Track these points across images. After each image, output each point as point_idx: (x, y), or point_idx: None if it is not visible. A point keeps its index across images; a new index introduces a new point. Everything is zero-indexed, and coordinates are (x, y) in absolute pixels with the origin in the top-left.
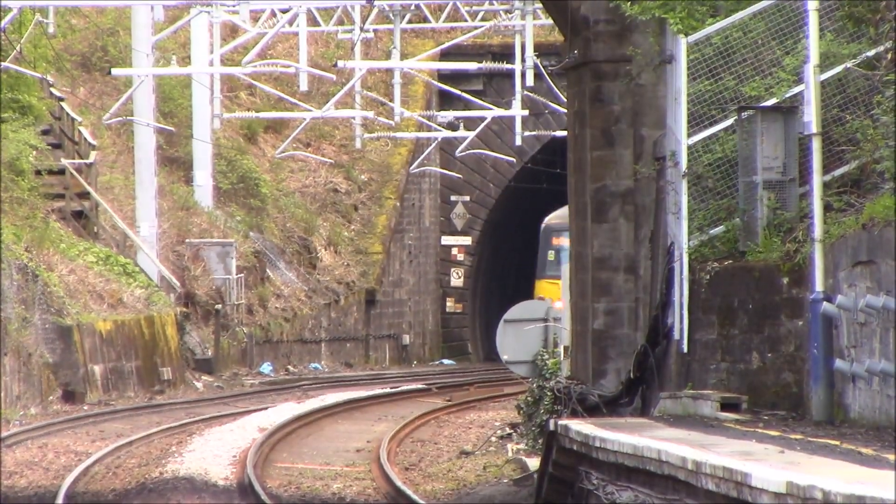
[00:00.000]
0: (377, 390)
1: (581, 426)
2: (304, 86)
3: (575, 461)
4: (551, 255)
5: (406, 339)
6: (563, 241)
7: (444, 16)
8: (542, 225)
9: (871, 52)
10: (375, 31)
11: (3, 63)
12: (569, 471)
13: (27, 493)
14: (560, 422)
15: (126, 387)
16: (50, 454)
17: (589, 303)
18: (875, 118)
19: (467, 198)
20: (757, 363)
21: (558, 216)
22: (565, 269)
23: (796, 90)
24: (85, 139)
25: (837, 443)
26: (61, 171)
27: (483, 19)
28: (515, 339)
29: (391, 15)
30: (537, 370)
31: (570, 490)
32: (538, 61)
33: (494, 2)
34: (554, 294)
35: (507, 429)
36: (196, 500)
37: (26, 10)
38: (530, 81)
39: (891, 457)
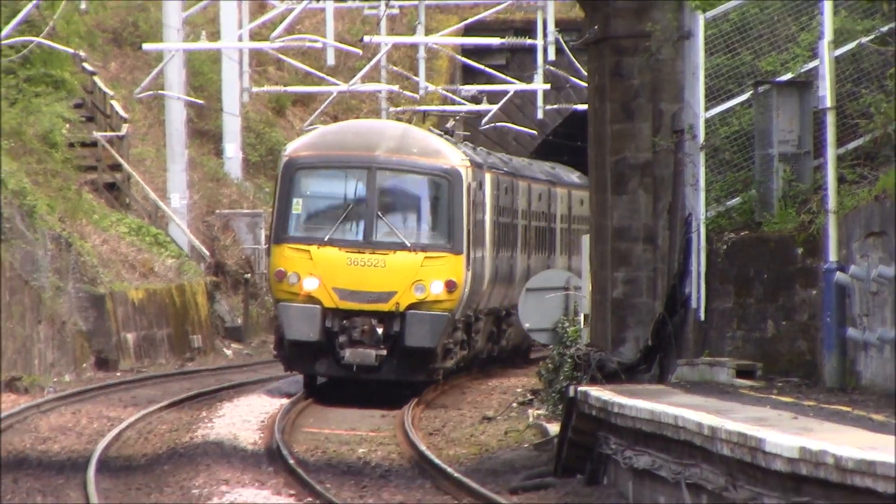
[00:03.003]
0: None
1: (600, 392)
2: (330, 60)
3: (594, 426)
4: (301, 201)
5: None
6: (325, 182)
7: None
8: (285, 159)
9: (885, 28)
10: (401, 7)
11: (37, 38)
12: (588, 436)
13: (60, 458)
14: (579, 388)
15: (158, 354)
16: (83, 420)
17: (608, 272)
18: (888, 92)
19: None
20: (772, 331)
21: (310, 145)
22: (585, 239)
23: (811, 65)
24: (117, 112)
25: (849, 409)
26: (94, 144)
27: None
28: (537, 308)
29: None
30: (558, 338)
31: (589, 455)
32: (559, 37)
33: None
34: (301, 265)
35: (528, 395)
36: (225, 464)
37: None
38: (552, 56)
39: None
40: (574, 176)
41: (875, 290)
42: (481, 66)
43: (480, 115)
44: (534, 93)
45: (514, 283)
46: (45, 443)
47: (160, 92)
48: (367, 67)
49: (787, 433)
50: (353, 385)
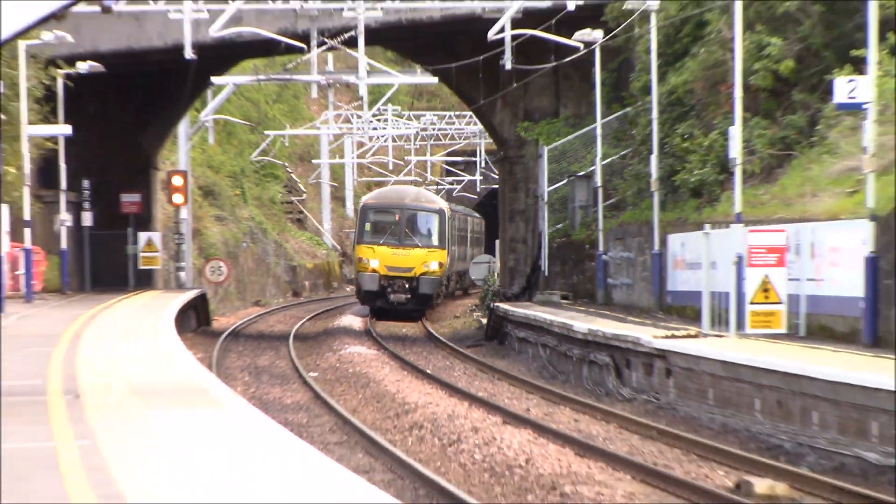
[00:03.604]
0: None
1: (503, 305)
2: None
3: (500, 320)
4: (366, 221)
5: None
6: (373, 214)
7: (448, 136)
8: (361, 203)
9: (624, 152)
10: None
11: (265, 158)
12: (498, 324)
13: (277, 333)
14: (494, 304)
15: (318, 290)
16: (287, 318)
17: (507, 255)
18: (624, 179)
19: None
20: (575, 280)
21: (377, 193)
22: (497, 242)
23: (592, 168)
24: (300, 188)
25: (608, 313)
26: (290, 202)
27: (465, 138)
28: (477, 270)
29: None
30: (486, 283)
31: (498, 331)
32: (486, 157)
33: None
34: (368, 255)
35: (473, 307)
36: (346, 336)
37: (277, 137)
38: (482, 165)
39: (630, 318)
40: (478, 216)
41: (618, 262)
42: (454, 169)
43: (451, 189)
44: (475, 181)
45: (464, 260)
46: (271, 327)
47: (319, 180)
48: (402, 173)
49: (582, 322)
50: (393, 312)
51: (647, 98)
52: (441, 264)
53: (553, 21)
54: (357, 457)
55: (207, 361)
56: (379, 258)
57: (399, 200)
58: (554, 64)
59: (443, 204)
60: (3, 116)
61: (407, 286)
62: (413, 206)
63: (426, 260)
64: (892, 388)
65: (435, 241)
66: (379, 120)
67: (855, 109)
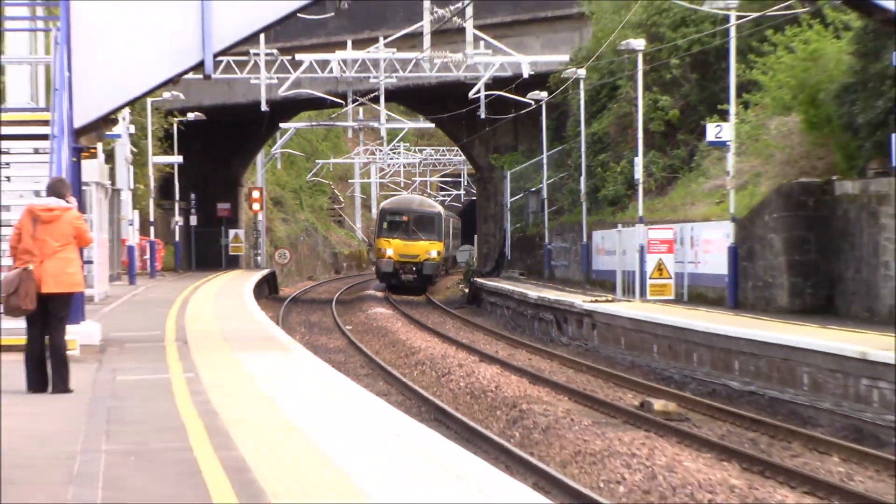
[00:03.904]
0: None
1: (480, 280)
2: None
3: (478, 290)
4: (384, 222)
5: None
6: (389, 216)
7: (441, 164)
8: (380, 208)
9: (562, 175)
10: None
11: (316, 178)
12: (476, 292)
13: (323, 299)
14: (473, 279)
15: (352, 269)
16: (330, 288)
17: (483, 245)
18: (562, 193)
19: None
20: (529, 262)
21: (392, 200)
22: (476, 237)
23: (540, 186)
24: (340, 199)
25: (552, 285)
26: (333, 209)
27: (453, 165)
28: (462, 256)
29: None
30: (468, 265)
31: (477, 298)
32: (468, 178)
33: (456, 161)
34: (386, 246)
35: (459, 282)
36: (372, 301)
37: (324, 164)
38: (465, 183)
39: (567, 288)
40: (457, 217)
41: (558, 250)
42: (445, 186)
43: (443, 200)
44: (460, 194)
45: (451, 249)
46: (320, 295)
47: (353, 194)
48: (410, 189)
49: (534, 291)
50: (403, 287)
51: (578, 138)
52: (439, 252)
53: (513, 85)
54: (379, 384)
55: (275, 318)
56: (393, 248)
57: (408, 206)
58: (514, 115)
59: (440, 209)
60: (134, 150)
61: (414, 269)
62: (418, 210)
63: (428, 249)
64: (748, 337)
65: (434, 235)
66: (394, 152)
67: (720, 146)
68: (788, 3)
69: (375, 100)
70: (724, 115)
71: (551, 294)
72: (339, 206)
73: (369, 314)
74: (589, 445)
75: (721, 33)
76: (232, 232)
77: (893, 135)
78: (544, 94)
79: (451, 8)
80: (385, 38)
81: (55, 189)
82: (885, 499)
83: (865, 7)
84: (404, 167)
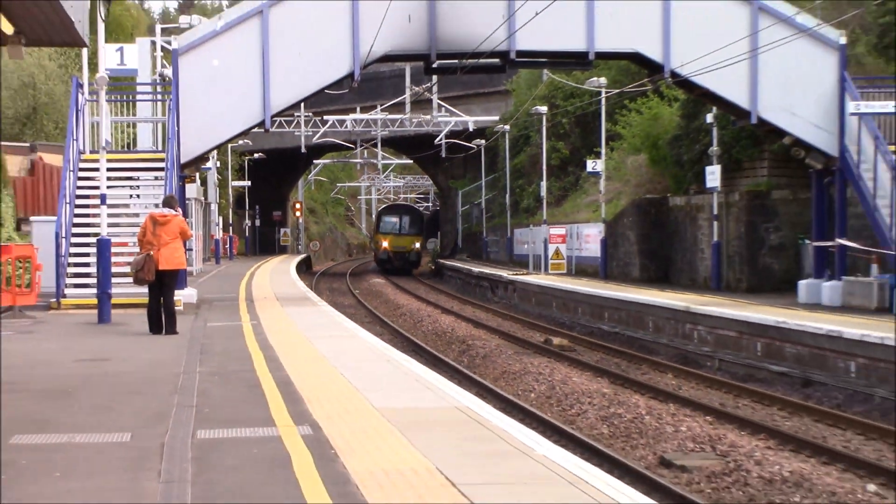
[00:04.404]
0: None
1: (441, 261)
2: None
3: (441, 267)
4: (382, 222)
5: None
6: (386, 217)
7: (417, 187)
8: (377, 211)
9: (494, 193)
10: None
11: (338, 196)
12: (440, 269)
13: (340, 272)
14: (437, 259)
15: (361, 254)
16: (346, 268)
17: (444, 239)
18: (495, 206)
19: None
20: (474, 249)
21: (386, 207)
22: (440, 234)
23: (481, 200)
24: (352, 208)
25: (488, 264)
26: (347, 215)
27: (425, 188)
28: (431, 244)
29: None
30: (434, 251)
31: (440, 272)
32: (435, 195)
33: (427, 185)
34: (382, 240)
35: (429, 262)
36: (372, 275)
37: (341, 187)
38: (433, 199)
39: (498, 267)
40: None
41: (492, 241)
42: (420, 200)
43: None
44: (429, 206)
45: (425, 242)
46: (339, 271)
47: (360, 205)
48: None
49: (476, 268)
50: (394, 270)
51: (504, 170)
52: (421, 244)
53: (463, 136)
54: (376, 327)
55: (310, 285)
56: (387, 241)
57: (397, 207)
58: (463, 155)
59: (421, 213)
60: (219, 177)
61: (403, 257)
62: (406, 211)
63: (413, 242)
64: (613, 296)
65: (418, 232)
66: (386, 179)
67: (596, 174)
68: (640, 82)
69: (374, 145)
70: (598, 155)
71: (487, 269)
72: (351, 213)
73: (371, 283)
74: (511, 367)
75: (595, 102)
76: (282, 230)
77: (706, 167)
78: (483, 142)
79: (423, 86)
80: (381, 105)
81: (168, 202)
82: (702, 401)
83: (687, 86)
84: (393, 188)
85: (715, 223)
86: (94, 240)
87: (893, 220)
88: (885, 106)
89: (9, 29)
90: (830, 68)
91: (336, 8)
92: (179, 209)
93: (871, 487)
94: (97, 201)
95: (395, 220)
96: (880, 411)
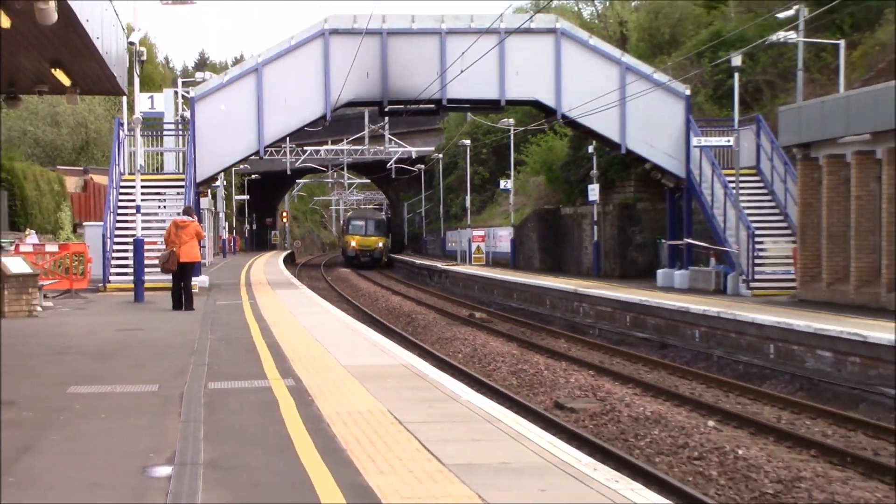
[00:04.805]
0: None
1: (392, 255)
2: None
3: (392, 260)
4: (350, 226)
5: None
6: (353, 222)
7: (376, 200)
8: (345, 216)
9: (431, 205)
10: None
11: (316, 207)
12: (391, 262)
13: (317, 264)
14: (389, 254)
15: (332, 251)
16: (321, 261)
17: (394, 238)
18: (433, 214)
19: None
20: (416, 246)
21: (353, 213)
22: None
23: (422, 210)
24: (326, 216)
25: (427, 257)
26: (322, 220)
27: (380, 200)
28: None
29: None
30: (387, 248)
31: (391, 264)
32: (387, 206)
33: (382, 199)
34: (350, 240)
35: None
36: (342, 269)
37: (318, 200)
38: (387, 208)
39: (434, 260)
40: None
41: (430, 240)
42: (378, 210)
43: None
44: (386, 213)
45: (388, 242)
46: (315, 263)
47: (333, 214)
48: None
49: (417, 260)
50: (361, 265)
51: (439, 187)
52: (385, 244)
53: (408, 162)
54: (344, 305)
55: (294, 273)
56: (355, 241)
57: (363, 214)
58: (408, 176)
59: (384, 217)
60: (225, 192)
61: (369, 254)
62: (371, 217)
63: (377, 242)
64: (520, 281)
65: (381, 233)
66: (351, 194)
67: (507, 191)
68: (539, 122)
69: (342, 168)
70: (508, 176)
71: (426, 262)
72: (324, 219)
73: (340, 272)
74: (445, 334)
75: (506, 137)
76: (273, 232)
77: (588, 186)
78: (423, 166)
79: (378, 125)
80: (346, 139)
81: (187, 211)
82: (586, 360)
83: (574, 125)
84: (356, 201)
85: (595, 227)
86: (131, 240)
87: (726, 225)
88: (719, 140)
89: (66, 82)
90: (679, 112)
91: (312, 67)
92: (195, 216)
93: (711, 423)
94: (133, 211)
95: (361, 223)
96: (717, 367)
